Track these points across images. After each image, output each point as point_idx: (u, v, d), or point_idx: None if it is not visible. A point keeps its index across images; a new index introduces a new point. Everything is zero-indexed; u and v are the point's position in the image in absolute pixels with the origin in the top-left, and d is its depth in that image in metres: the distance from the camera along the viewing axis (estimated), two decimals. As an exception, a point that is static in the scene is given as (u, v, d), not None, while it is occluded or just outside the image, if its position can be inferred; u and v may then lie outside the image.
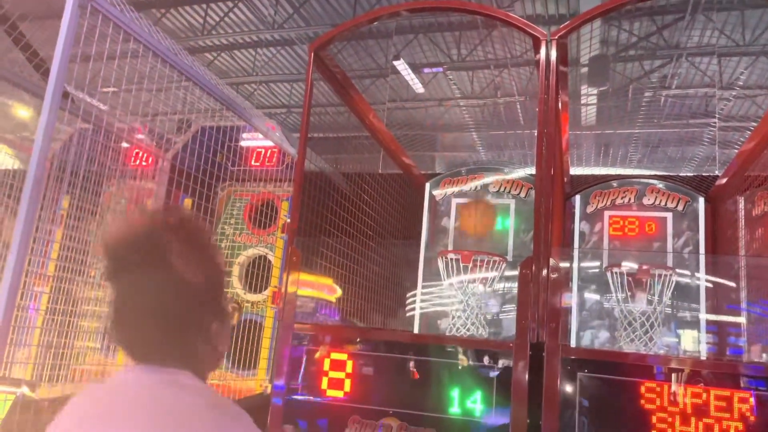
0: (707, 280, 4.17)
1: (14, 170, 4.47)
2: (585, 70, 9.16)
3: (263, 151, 5.05)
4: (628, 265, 3.87)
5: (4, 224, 4.44)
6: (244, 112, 3.87)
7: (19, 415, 2.27)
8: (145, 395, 1.10)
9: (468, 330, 4.19)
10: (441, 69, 10.72)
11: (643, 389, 2.13)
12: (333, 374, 2.49)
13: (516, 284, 2.37)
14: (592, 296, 4.35)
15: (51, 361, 3.65)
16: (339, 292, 4.60)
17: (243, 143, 4.94)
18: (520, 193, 4.76)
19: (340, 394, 2.46)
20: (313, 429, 2.44)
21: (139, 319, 1.15)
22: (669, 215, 4.34)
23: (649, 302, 3.82)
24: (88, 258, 3.92)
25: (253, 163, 5.06)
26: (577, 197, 4.58)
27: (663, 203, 4.37)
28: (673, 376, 2.12)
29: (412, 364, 2.40)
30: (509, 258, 4.47)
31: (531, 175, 4.84)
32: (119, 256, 1.15)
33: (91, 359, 3.99)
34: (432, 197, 5.01)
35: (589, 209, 4.53)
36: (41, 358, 3.66)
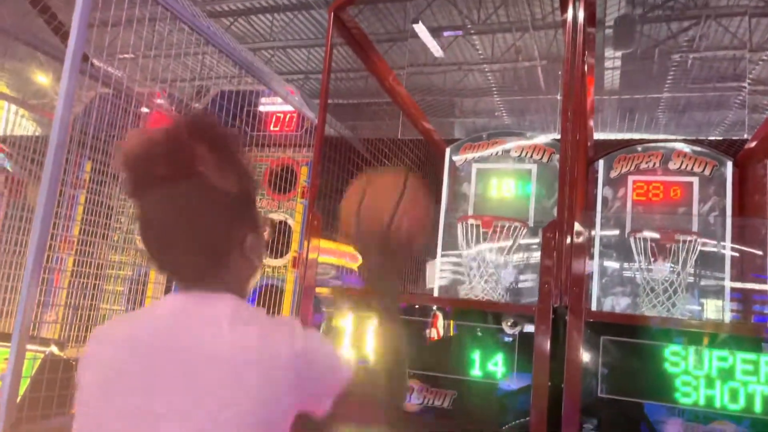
0: (733, 247, 4.11)
1: (36, 136, 4.50)
2: (610, 32, 8.91)
3: (282, 116, 5.02)
4: (651, 231, 3.82)
5: (28, 189, 4.50)
6: (263, 76, 3.83)
7: (48, 373, 2.32)
8: (185, 327, 1.05)
9: (486, 295, 4.19)
10: (461, 32, 10.51)
11: (667, 353, 2.11)
12: (353, 337, 2.50)
13: (536, 250, 2.35)
14: (614, 262, 4.31)
15: (78, 322, 3.73)
16: (361, 259, 4.60)
17: (262, 108, 4.92)
18: (542, 158, 4.71)
19: (360, 357, 2.47)
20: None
21: (170, 235, 1.07)
22: (695, 180, 4.26)
23: (673, 269, 3.78)
24: (111, 222, 3.97)
25: (272, 128, 5.04)
26: (601, 162, 4.51)
27: (689, 168, 4.29)
28: (699, 339, 2.10)
29: (438, 324, 2.41)
30: (530, 224, 4.44)
31: (554, 140, 4.77)
32: (142, 168, 1.06)
33: (116, 321, 4.06)
34: (452, 163, 4.97)
35: (613, 174, 4.46)
36: (68, 319, 3.74)
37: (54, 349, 2.42)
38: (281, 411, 1.03)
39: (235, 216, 1.12)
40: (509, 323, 2.31)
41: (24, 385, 2.22)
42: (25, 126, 4.90)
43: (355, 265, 4.69)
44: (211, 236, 1.09)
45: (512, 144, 4.81)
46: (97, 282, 3.89)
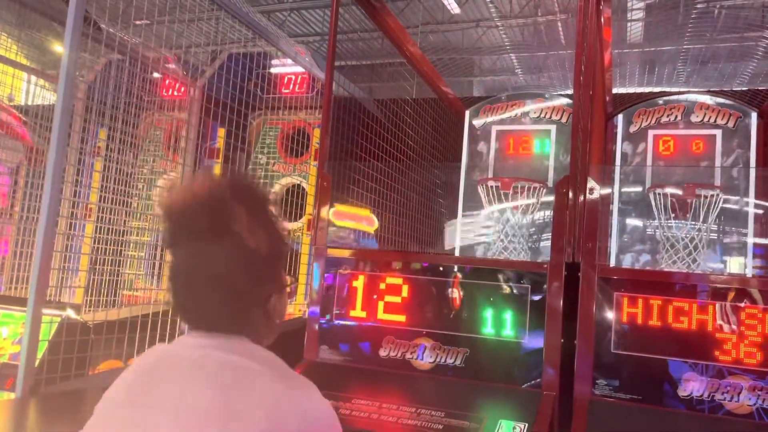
0: (756, 203, 4.00)
1: (53, 105, 4.53)
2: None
3: (294, 77, 4.97)
4: (672, 186, 3.74)
5: (45, 156, 4.56)
6: (273, 37, 3.77)
7: (65, 336, 2.37)
8: (201, 356, 1.09)
9: (507, 254, 4.18)
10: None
11: (685, 308, 2.07)
12: (366, 297, 2.51)
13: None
14: (633, 219, 4.24)
15: (99, 287, 3.80)
16: (377, 223, 4.62)
17: (273, 70, 4.87)
18: (561, 118, 4.66)
19: (373, 316, 2.48)
20: (351, 349, 2.49)
21: (199, 288, 1.12)
22: (718, 132, 4.13)
23: (694, 224, 3.71)
24: (128, 188, 4.00)
25: (283, 90, 4.99)
26: (620, 117, 4.40)
27: (712, 120, 4.16)
28: (718, 294, 2.06)
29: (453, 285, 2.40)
30: (549, 184, 4.40)
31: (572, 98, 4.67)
32: (182, 222, 1.12)
33: (138, 285, 4.14)
34: (472, 125, 4.94)
35: (633, 129, 4.35)
36: (90, 284, 3.81)
37: (71, 312, 2.46)
38: None
39: (263, 276, 1.17)
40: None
41: (42, 349, 2.28)
42: (44, 96, 4.93)
43: (371, 229, 4.69)
44: (236, 291, 1.13)
45: (531, 105, 4.79)
46: (118, 248, 3.94)
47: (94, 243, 3.86)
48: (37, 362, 2.24)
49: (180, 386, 1.05)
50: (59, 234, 2.73)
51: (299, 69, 4.79)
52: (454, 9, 10.52)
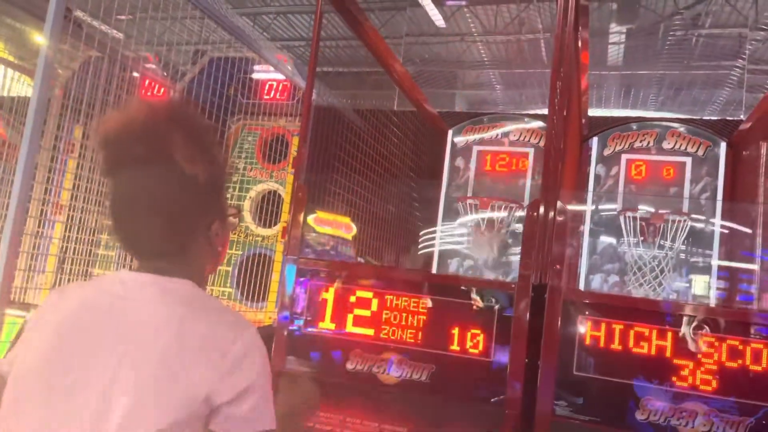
0: (722, 226, 4.11)
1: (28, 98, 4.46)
2: (615, 6, 8.76)
3: (275, 84, 4.97)
4: (642, 209, 3.82)
5: (17, 153, 4.48)
6: (254, 43, 3.78)
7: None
8: (142, 315, 1.06)
9: (476, 272, 4.23)
10: (464, 2, 10.34)
11: (646, 334, 2.12)
12: (336, 309, 2.51)
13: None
14: (603, 240, 4.32)
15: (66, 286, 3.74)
16: (355, 230, 4.64)
17: (255, 75, 4.87)
18: (539, 141, 4.80)
19: (342, 328, 2.48)
20: (318, 361, 2.49)
21: (140, 214, 1.10)
22: (688, 160, 4.24)
23: (661, 247, 3.79)
24: (101, 187, 3.96)
25: (264, 96, 4.99)
26: (595, 139, 4.48)
27: (683, 147, 4.26)
28: (680, 321, 2.10)
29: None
30: (525, 204, 4.49)
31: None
32: (119, 148, 1.09)
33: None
34: (454, 144, 5.06)
35: (606, 152, 4.44)
36: (57, 284, 3.75)
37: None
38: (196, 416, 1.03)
39: (203, 203, 1.16)
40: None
41: (3, 350, 2.24)
42: (22, 89, 4.86)
43: (350, 236, 4.70)
44: (176, 218, 1.12)
45: (511, 127, 4.95)
46: (89, 247, 3.90)
47: (65, 242, 3.81)
48: (-3, 363, 2.20)
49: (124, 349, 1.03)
50: (26, 234, 2.69)
51: (280, 76, 4.80)
52: (440, 22, 10.62)
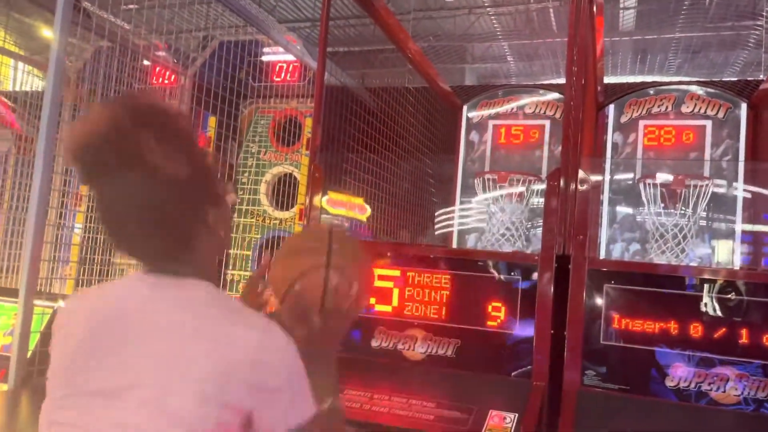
0: (745, 190, 4.04)
1: (42, 92, 4.47)
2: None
3: (285, 65, 4.94)
4: (662, 176, 3.76)
5: (34, 144, 4.51)
6: (263, 25, 3.74)
7: (57, 327, 2.36)
8: (155, 320, 1.04)
9: (497, 245, 4.21)
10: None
11: (672, 300, 2.10)
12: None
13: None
14: (623, 209, 4.27)
15: (89, 277, 3.79)
16: (369, 211, 4.63)
17: (264, 58, 4.84)
18: (555, 113, 4.72)
19: (365, 306, 2.49)
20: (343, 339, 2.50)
21: (129, 223, 1.04)
22: (708, 123, 4.16)
23: (683, 214, 3.74)
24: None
25: (275, 78, 4.97)
26: (611, 107, 4.41)
27: (702, 111, 4.18)
28: (705, 286, 2.08)
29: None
30: (543, 176, 4.45)
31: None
32: (88, 160, 1.02)
33: (129, 274, 4.12)
34: (469, 119, 5.01)
35: (623, 119, 4.37)
36: (83, 275, 3.80)
37: (62, 303, 2.45)
38: (227, 415, 1.00)
39: (193, 197, 1.08)
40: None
41: (34, 340, 2.27)
42: (34, 83, 4.88)
43: (364, 217, 4.70)
44: (170, 221, 1.06)
45: (526, 100, 4.89)
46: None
47: (85, 232, 3.85)
48: (29, 353, 2.24)
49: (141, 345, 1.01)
50: (49, 225, 2.72)
51: (291, 57, 4.76)
52: (448, -5, 10.46)
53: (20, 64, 4.76)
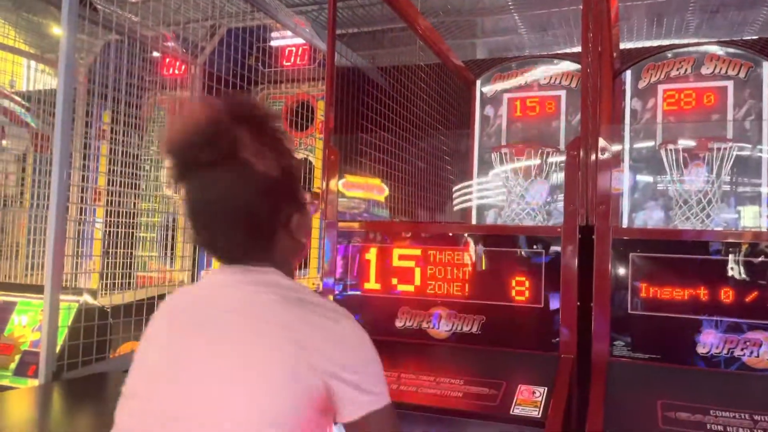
0: (770, 150, 3.93)
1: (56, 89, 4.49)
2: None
3: (294, 49, 4.90)
4: (684, 140, 3.68)
5: (51, 142, 4.55)
6: (271, 9, 3.71)
7: (84, 321, 2.39)
8: (229, 295, 1.09)
9: (521, 219, 4.18)
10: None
11: (699, 266, 2.06)
12: (379, 268, 2.50)
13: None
14: (644, 176, 4.19)
15: (113, 270, 3.83)
16: (387, 191, 4.61)
17: (273, 43, 4.80)
18: (570, 83, 4.64)
19: (387, 287, 2.48)
20: (366, 321, 2.49)
21: (215, 220, 1.09)
22: (729, 84, 4.05)
23: (707, 178, 3.66)
24: (135, 170, 3.99)
25: (285, 63, 4.93)
26: (628, 73, 4.31)
27: (723, 71, 4.07)
28: (732, 251, 2.03)
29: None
30: (561, 148, 4.38)
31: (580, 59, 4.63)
32: (186, 155, 1.07)
33: (152, 267, 4.17)
34: (483, 93, 4.94)
35: (641, 85, 4.27)
36: (107, 268, 3.84)
37: (87, 297, 2.48)
38: (304, 399, 1.02)
39: (279, 198, 1.12)
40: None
41: (62, 335, 2.30)
42: (45, 81, 4.90)
43: (382, 197, 4.68)
44: (255, 219, 1.10)
45: (541, 72, 4.81)
46: (130, 230, 3.96)
47: (106, 227, 3.88)
48: (57, 348, 2.27)
49: (226, 329, 1.04)
50: (70, 220, 2.74)
51: (299, 41, 4.72)
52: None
53: (33, 63, 4.78)
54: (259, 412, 0.98)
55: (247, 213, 1.08)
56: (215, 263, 1.19)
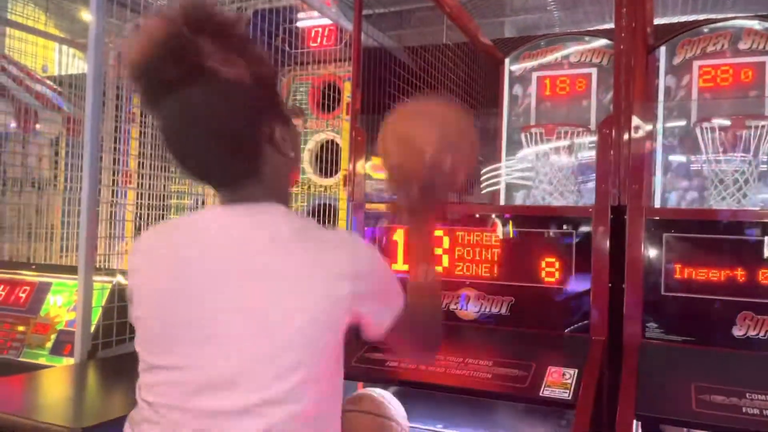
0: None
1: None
2: None
3: (321, 29, 4.87)
4: (720, 118, 3.57)
5: (83, 125, 4.62)
6: (296, -11, 3.69)
7: (117, 301, 2.44)
8: (224, 231, 1.06)
9: (552, 199, 4.13)
10: None
11: (735, 247, 2.00)
12: (406, 250, 2.49)
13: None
14: (678, 156, 4.09)
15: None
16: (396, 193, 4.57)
17: (299, 24, 4.78)
18: (602, 61, 4.53)
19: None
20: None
21: (195, 140, 1.03)
22: (768, 59, 3.91)
23: (743, 158, 3.55)
24: (165, 153, 4.03)
25: (311, 44, 4.91)
26: (662, 49, 4.18)
27: (761, 47, 3.92)
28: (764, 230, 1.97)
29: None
30: (592, 128, 4.30)
31: (611, 40, 4.51)
32: (150, 77, 1.00)
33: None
34: (512, 72, 4.86)
35: (676, 61, 4.14)
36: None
37: (120, 278, 2.52)
38: (335, 326, 1.04)
39: (257, 108, 1.06)
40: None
41: (96, 315, 2.35)
42: (78, 65, 4.96)
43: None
44: (235, 134, 1.04)
45: (571, 49, 4.69)
46: (161, 213, 4.01)
47: (137, 209, 3.93)
48: (92, 328, 2.32)
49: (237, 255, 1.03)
50: (103, 203, 2.79)
51: (326, 21, 4.69)
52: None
53: (64, 48, 4.84)
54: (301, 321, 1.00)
55: (225, 130, 1.03)
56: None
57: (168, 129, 1.04)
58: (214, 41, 1.00)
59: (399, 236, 2.51)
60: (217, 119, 1.02)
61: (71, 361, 2.30)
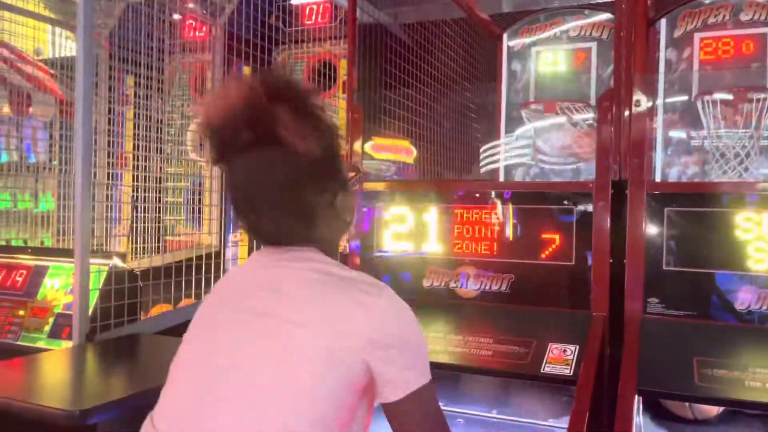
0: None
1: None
2: None
3: (315, 6, 4.79)
4: (721, 92, 3.52)
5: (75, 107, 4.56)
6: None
7: (115, 284, 2.42)
8: (268, 274, 1.10)
9: (545, 177, 4.10)
10: None
11: (738, 219, 1.98)
12: (404, 229, 2.47)
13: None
14: (679, 130, 4.05)
15: (142, 234, 3.87)
16: (416, 153, 4.55)
17: (294, 1, 4.71)
18: (601, 34, 4.45)
19: (414, 247, 2.45)
20: (393, 281, 2.48)
21: (259, 203, 1.08)
22: (770, 30, 3.84)
23: (745, 131, 3.52)
24: (161, 135, 3.99)
25: (306, 21, 4.84)
26: (662, 22, 4.11)
27: (763, 18, 3.86)
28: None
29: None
30: (592, 103, 4.24)
31: (611, 16, 4.44)
32: (224, 137, 1.06)
33: (180, 230, 4.20)
34: (510, 47, 4.78)
35: (677, 33, 4.08)
36: (133, 232, 3.88)
37: (117, 261, 2.51)
38: (343, 383, 1.01)
39: (321, 177, 1.10)
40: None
41: (94, 297, 2.33)
42: (71, 47, 4.89)
43: (411, 159, 4.62)
44: (299, 199, 1.08)
45: (571, 24, 4.60)
46: (157, 195, 3.98)
47: (134, 191, 3.90)
48: (90, 311, 2.30)
49: (270, 301, 1.05)
50: (98, 185, 2.76)
51: (321, -3, 4.62)
52: None
53: (57, 30, 4.77)
54: (297, 406, 0.97)
55: (290, 195, 1.07)
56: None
57: (234, 186, 1.09)
58: (290, 112, 1.04)
59: (398, 214, 2.49)
60: (282, 186, 1.06)
61: (70, 344, 2.29)
